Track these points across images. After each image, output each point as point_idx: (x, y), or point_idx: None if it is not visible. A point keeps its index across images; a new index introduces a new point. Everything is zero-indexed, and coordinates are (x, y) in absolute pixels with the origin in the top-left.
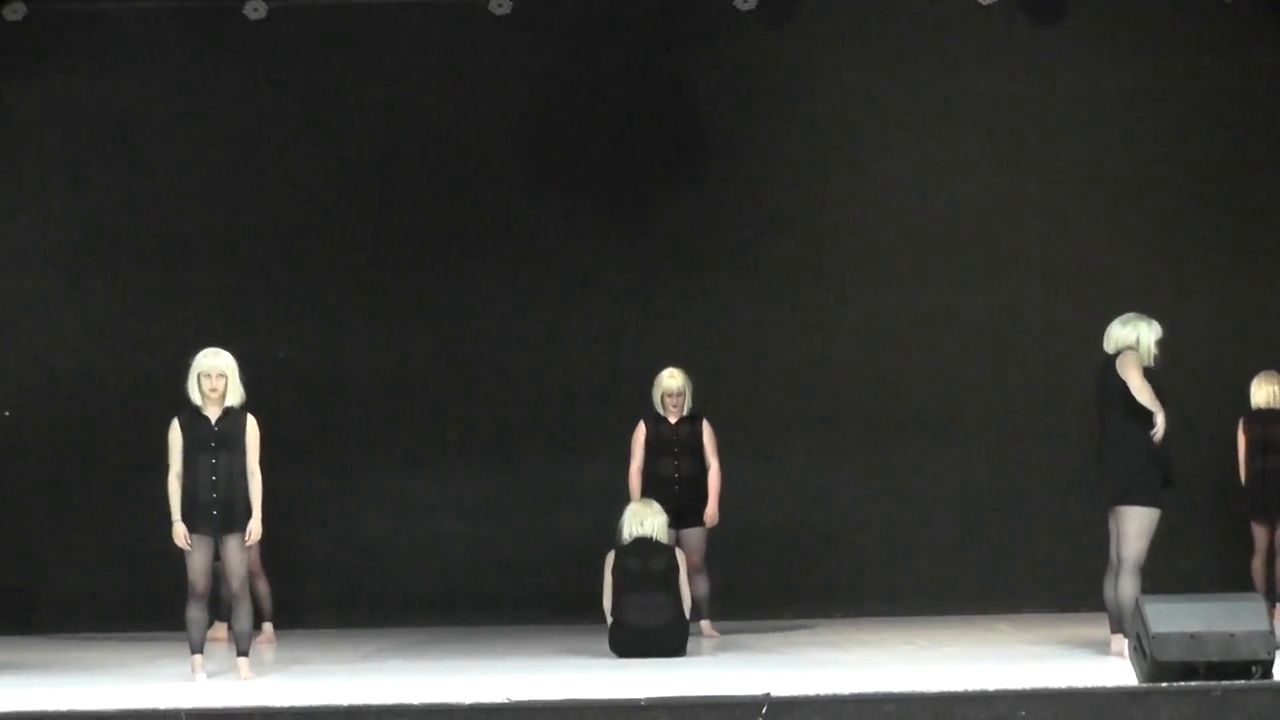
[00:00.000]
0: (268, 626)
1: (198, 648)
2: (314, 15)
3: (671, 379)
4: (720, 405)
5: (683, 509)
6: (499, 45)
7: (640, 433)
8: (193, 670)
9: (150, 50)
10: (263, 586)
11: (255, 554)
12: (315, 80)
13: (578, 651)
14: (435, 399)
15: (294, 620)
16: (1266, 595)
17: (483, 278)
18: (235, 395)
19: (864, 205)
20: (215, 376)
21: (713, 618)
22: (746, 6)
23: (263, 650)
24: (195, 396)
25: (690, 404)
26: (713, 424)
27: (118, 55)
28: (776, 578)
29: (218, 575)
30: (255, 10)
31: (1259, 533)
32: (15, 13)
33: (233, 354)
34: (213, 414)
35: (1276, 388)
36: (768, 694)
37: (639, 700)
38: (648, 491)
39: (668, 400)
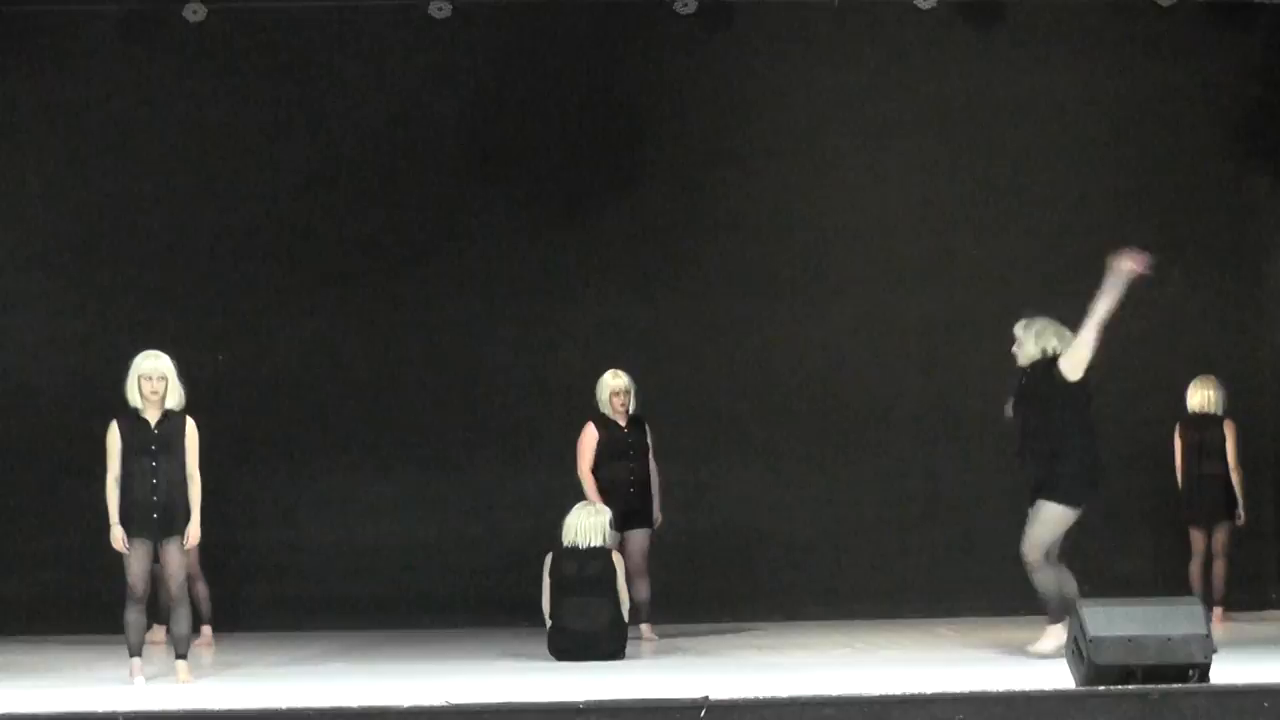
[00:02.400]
0: (206, 630)
1: (136, 651)
2: (253, 18)
3: (616, 378)
4: (660, 409)
5: (631, 511)
6: (439, 48)
7: (590, 435)
8: (131, 674)
9: (90, 53)
10: (201, 590)
11: (194, 557)
12: (253, 84)
13: (517, 654)
14: (374, 402)
15: (233, 623)
16: (1203, 599)
17: (423, 282)
18: (175, 398)
19: (804, 209)
20: (155, 379)
21: (652, 621)
22: (686, 10)
23: (201, 653)
24: (135, 399)
25: (634, 405)
26: (651, 426)
27: (57, 58)
28: (715, 581)
29: (157, 579)
30: (195, 13)
31: (1196, 537)
32: None
33: (175, 356)
34: (152, 417)
35: (1212, 392)
36: (706, 697)
37: (577, 703)
38: (602, 494)
39: (615, 400)
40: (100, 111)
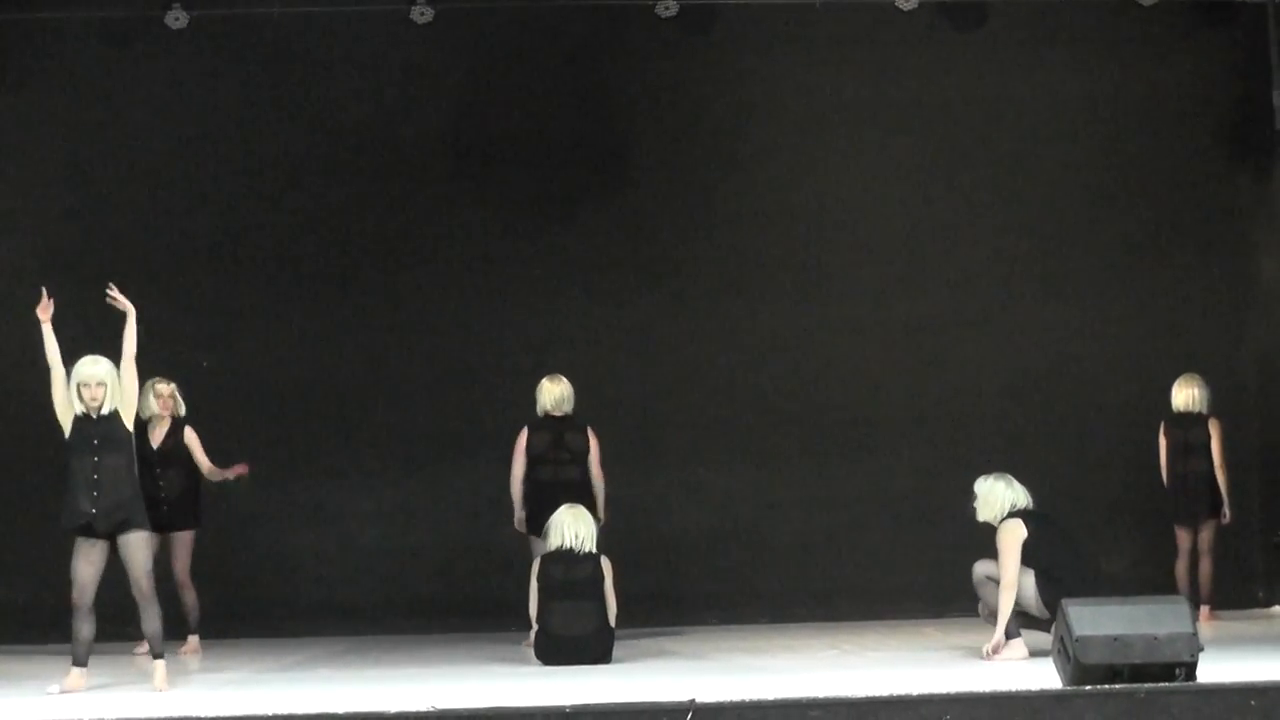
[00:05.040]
0: (193, 638)
1: (77, 660)
2: (235, 24)
3: (556, 382)
4: (645, 412)
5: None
6: (422, 53)
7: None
8: (63, 684)
9: (72, 61)
10: (190, 597)
11: (184, 564)
12: (235, 90)
13: (504, 659)
14: (360, 407)
15: (220, 630)
16: (1190, 598)
17: (410, 285)
18: (112, 403)
19: (788, 211)
20: (94, 385)
21: (636, 624)
22: (668, 13)
23: (188, 660)
24: (77, 407)
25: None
26: (597, 431)
27: (39, 66)
28: (701, 583)
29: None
30: (176, 20)
31: (1182, 536)
32: None
33: (157, 362)
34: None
35: (1196, 391)
36: (693, 700)
37: (564, 707)
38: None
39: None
40: (82, 119)
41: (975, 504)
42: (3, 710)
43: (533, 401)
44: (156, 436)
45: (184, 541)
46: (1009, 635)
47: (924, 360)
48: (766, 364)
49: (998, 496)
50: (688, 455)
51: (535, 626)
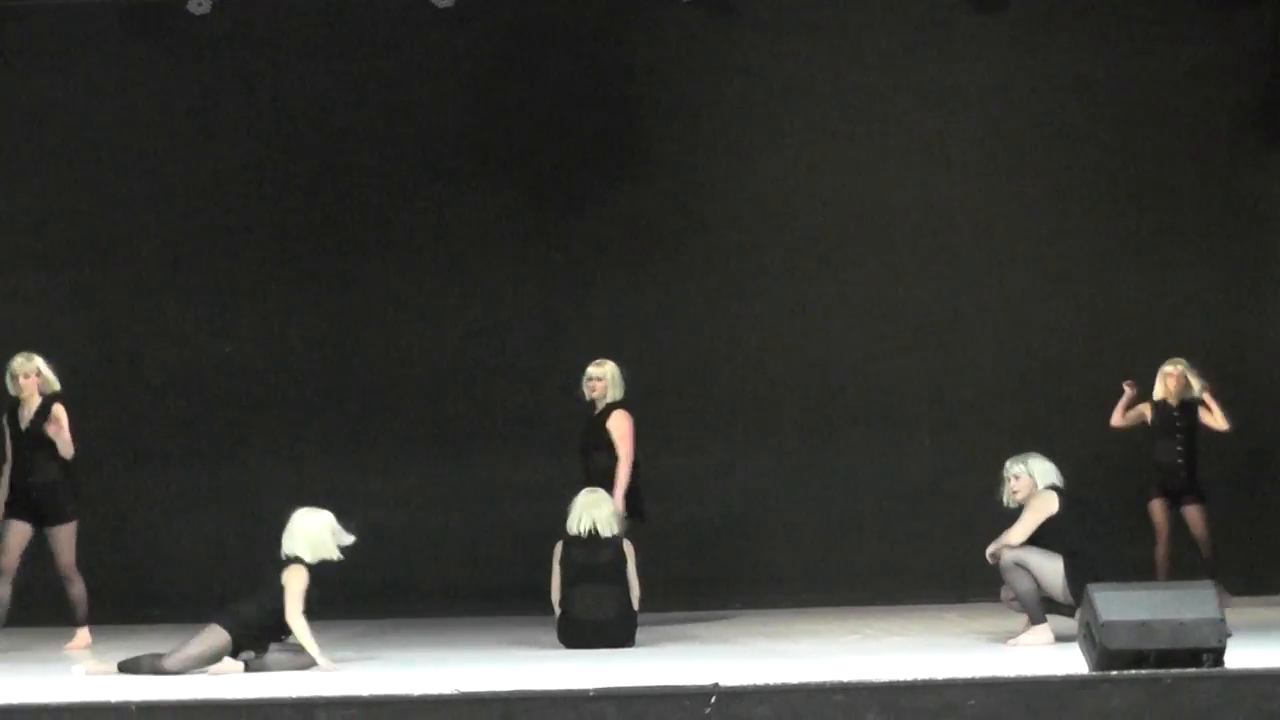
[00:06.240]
0: (83, 631)
1: None
2: (256, 9)
3: (592, 365)
4: (661, 397)
5: None
6: (439, 37)
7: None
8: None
9: (92, 47)
10: (77, 590)
11: (70, 556)
12: (257, 74)
13: (526, 643)
14: (379, 392)
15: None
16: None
17: (426, 273)
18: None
19: (807, 195)
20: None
21: (659, 609)
22: None
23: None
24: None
25: (616, 393)
26: (632, 413)
27: (58, 51)
28: (722, 568)
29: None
30: (199, 5)
31: (1160, 516)
32: None
33: (178, 348)
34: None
35: (1182, 373)
36: (716, 684)
37: (587, 691)
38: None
39: (585, 385)
40: (102, 106)
41: (1009, 485)
42: (30, 689)
43: (550, 385)
44: (25, 417)
45: (62, 535)
46: (1035, 620)
47: (943, 345)
48: (784, 349)
49: (1044, 469)
50: (707, 440)
51: (558, 611)
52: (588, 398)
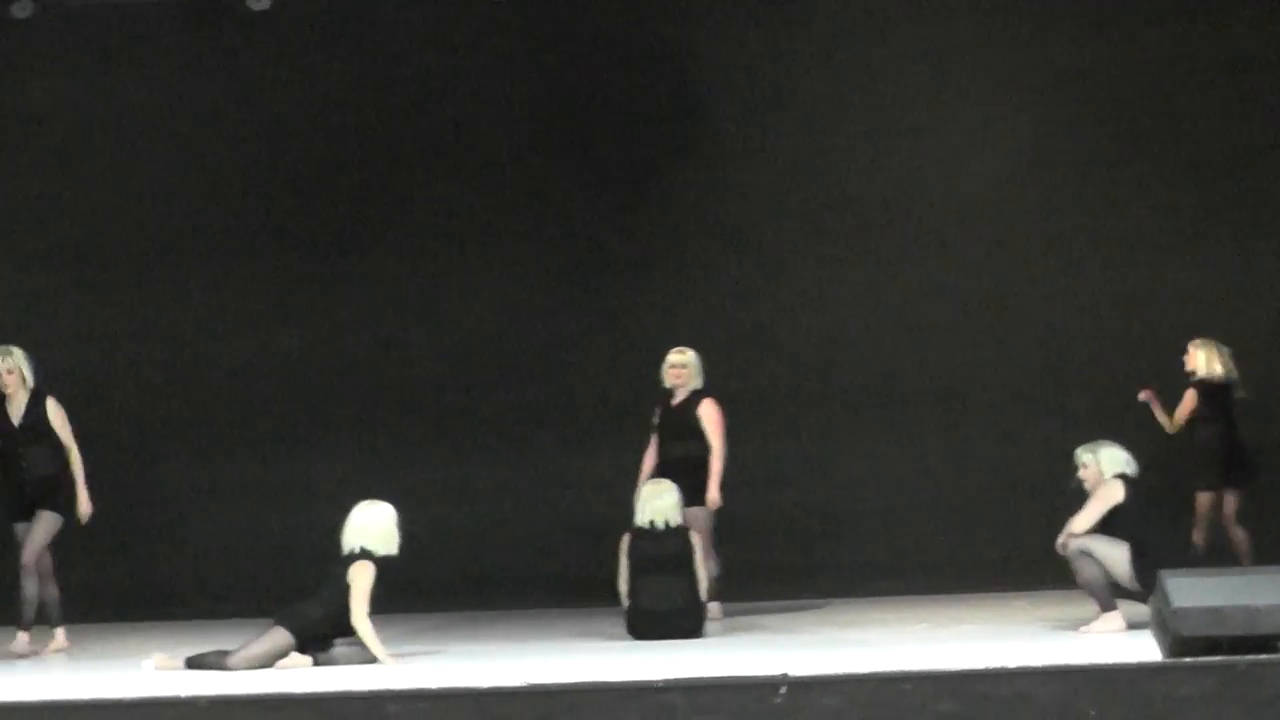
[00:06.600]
0: (59, 632)
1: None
2: (315, 6)
3: (673, 353)
4: (729, 385)
5: (680, 490)
6: (502, 26)
7: (655, 414)
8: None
9: (152, 44)
10: (51, 592)
11: (47, 560)
12: (318, 71)
13: (593, 634)
14: (445, 384)
15: None
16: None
17: (488, 261)
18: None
19: (869, 177)
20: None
21: (727, 599)
22: None
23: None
24: None
25: (698, 381)
26: (720, 403)
27: (121, 50)
28: (790, 558)
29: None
30: (258, 1)
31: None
32: (23, 10)
33: (234, 343)
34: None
35: (1212, 355)
36: (785, 674)
37: (656, 682)
38: (655, 472)
39: (668, 373)
40: (154, 105)
41: (1082, 471)
42: (101, 685)
43: (616, 374)
44: (15, 412)
45: (41, 523)
46: (1105, 608)
47: (1010, 330)
48: (849, 334)
49: (1113, 457)
50: (772, 428)
51: (626, 602)
52: (668, 385)
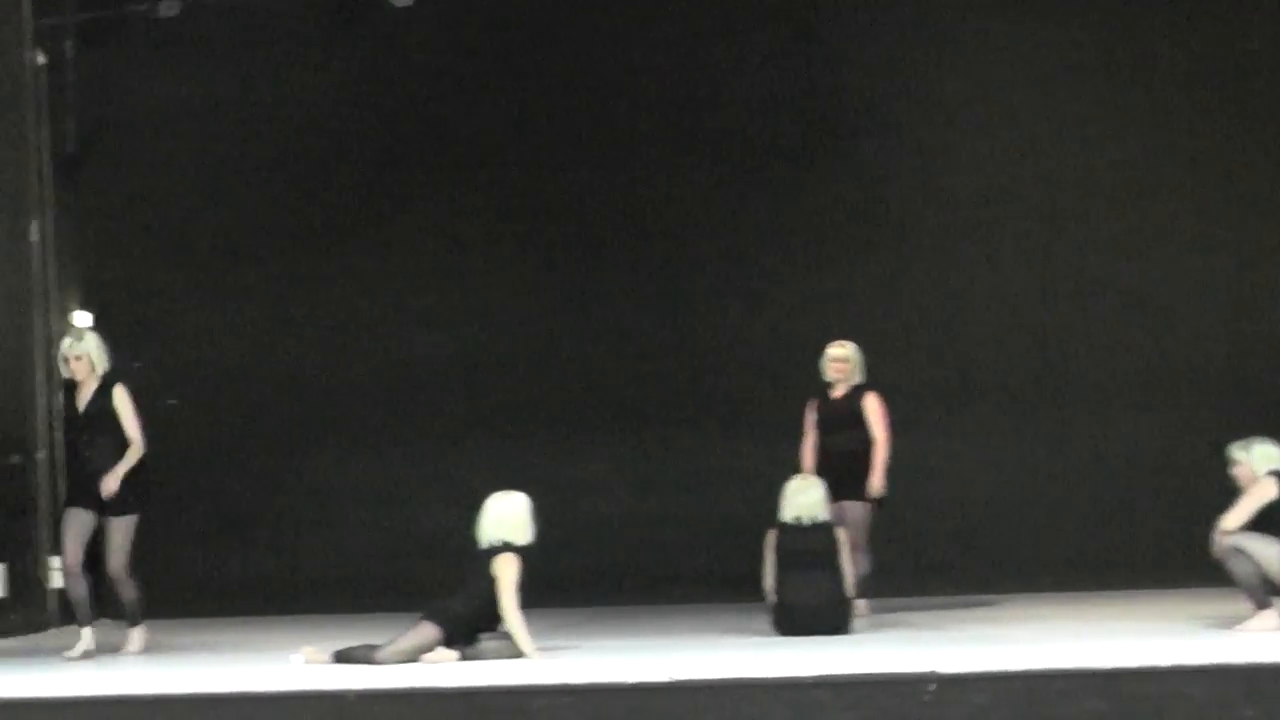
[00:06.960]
0: (135, 631)
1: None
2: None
3: (834, 346)
4: (880, 381)
5: (841, 483)
6: (644, 11)
7: (810, 408)
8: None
9: (294, 40)
10: (128, 592)
11: (124, 558)
12: (447, 67)
13: (739, 630)
14: (587, 379)
15: None
16: None
17: (636, 255)
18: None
19: (1008, 169)
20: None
21: (874, 596)
22: None
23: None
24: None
25: (860, 375)
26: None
27: (263, 46)
28: (938, 554)
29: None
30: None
31: None
32: (171, 9)
33: (375, 335)
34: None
35: None
36: (935, 671)
37: (806, 678)
38: (815, 465)
39: (830, 367)
40: (296, 100)
41: (1235, 468)
42: (249, 678)
43: (764, 369)
44: (82, 399)
45: (117, 530)
46: (1260, 606)
47: (1158, 324)
48: (997, 328)
49: (1266, 454)
50: (918, 425)
51: (772, 598)
52: (829, 379)
